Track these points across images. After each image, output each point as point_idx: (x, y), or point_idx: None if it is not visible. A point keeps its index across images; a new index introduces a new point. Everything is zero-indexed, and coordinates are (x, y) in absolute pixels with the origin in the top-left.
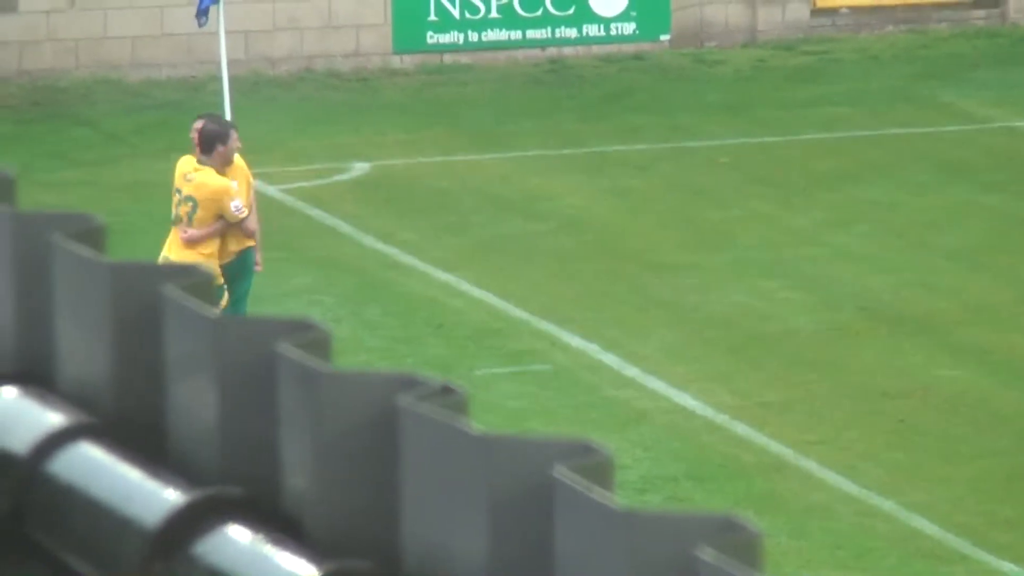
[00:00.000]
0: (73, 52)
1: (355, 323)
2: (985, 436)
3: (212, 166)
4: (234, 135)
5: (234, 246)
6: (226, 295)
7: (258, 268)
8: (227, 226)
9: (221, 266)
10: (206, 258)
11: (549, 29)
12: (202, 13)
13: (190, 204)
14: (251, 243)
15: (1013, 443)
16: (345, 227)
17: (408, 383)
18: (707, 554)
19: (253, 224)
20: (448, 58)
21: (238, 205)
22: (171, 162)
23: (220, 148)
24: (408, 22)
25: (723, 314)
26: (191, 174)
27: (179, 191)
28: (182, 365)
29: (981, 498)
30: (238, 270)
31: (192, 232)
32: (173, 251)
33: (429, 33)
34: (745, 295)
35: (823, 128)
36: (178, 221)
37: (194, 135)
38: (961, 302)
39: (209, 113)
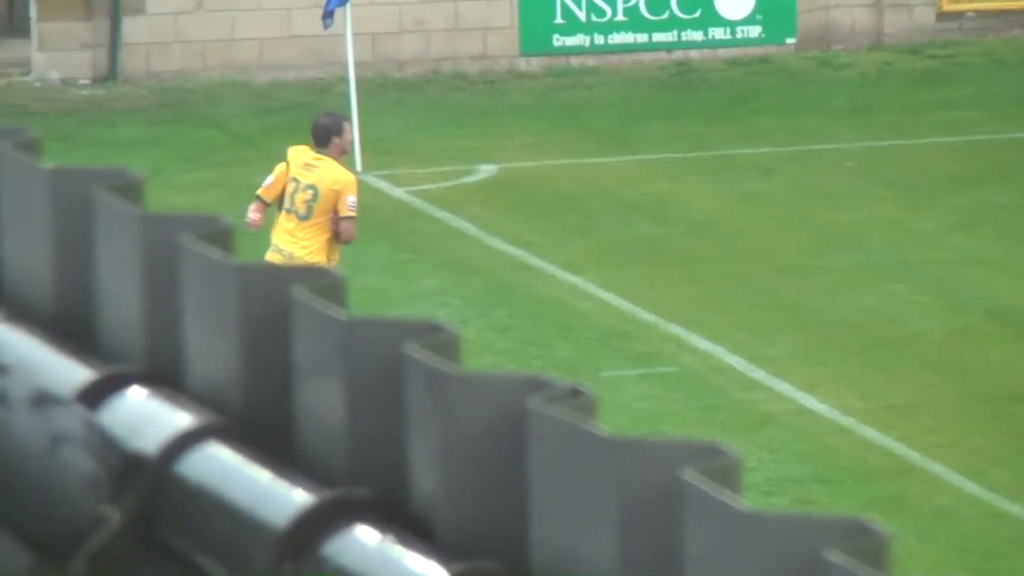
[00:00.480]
0: (201, 54)
1: (483, 325)
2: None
3: (330, 157)
4: (347, 127)
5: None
6: None
7: None
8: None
9: None
10: (308, 252)
11: (675, 32)
12: (328, 15)
13: (310, 192)
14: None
15: None
16: (472, 229)
17: (536, 385)
18: (835, 557)
19: (354, 230)
20: (574, 61)
21: (354, 202)
22: None
23: (336, 140)
24: (535, 25)
25: (850, 317)
26: (312, 163)
27: (296, 180)
28: (310, 366)
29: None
30: None
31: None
32: (282, 238)
33: (555, 36)
34: (872, 298)
35: (949, 132)
36: (292, 210)
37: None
38: None
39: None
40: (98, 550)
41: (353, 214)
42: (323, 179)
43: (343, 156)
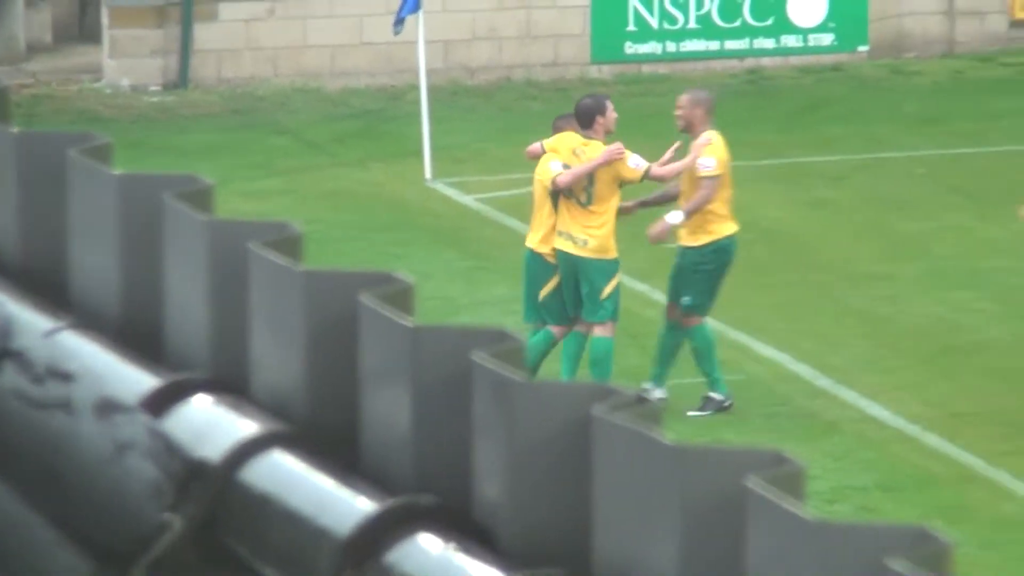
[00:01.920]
0: (272, 61)
1: None
2: None
3: (597, 139)
4: (610, 105)
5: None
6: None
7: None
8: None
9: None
10: (598, 238)
11: (747, 40)
12: (399, 22)
13: (586, 178)
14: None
15: None
16: None
17: (603, 393)
18: (899, 565)
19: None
20: (646, 68)
21: (637, 161)
22: (369, 171)
23: (600, 119)
24: (607, 32)
25: (917, 325)
26: (580, 148)
27: (568, 167)
28: (377, 373)
29: None
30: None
31: (657, 169)
32: (569, 226)
33: (627, 43)
34: (939, 306)
35: (1021, 140)
36: (572, 196)
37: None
38: None
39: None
40: (160, 557)
41: (644, 168)
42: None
43: (607, 135)
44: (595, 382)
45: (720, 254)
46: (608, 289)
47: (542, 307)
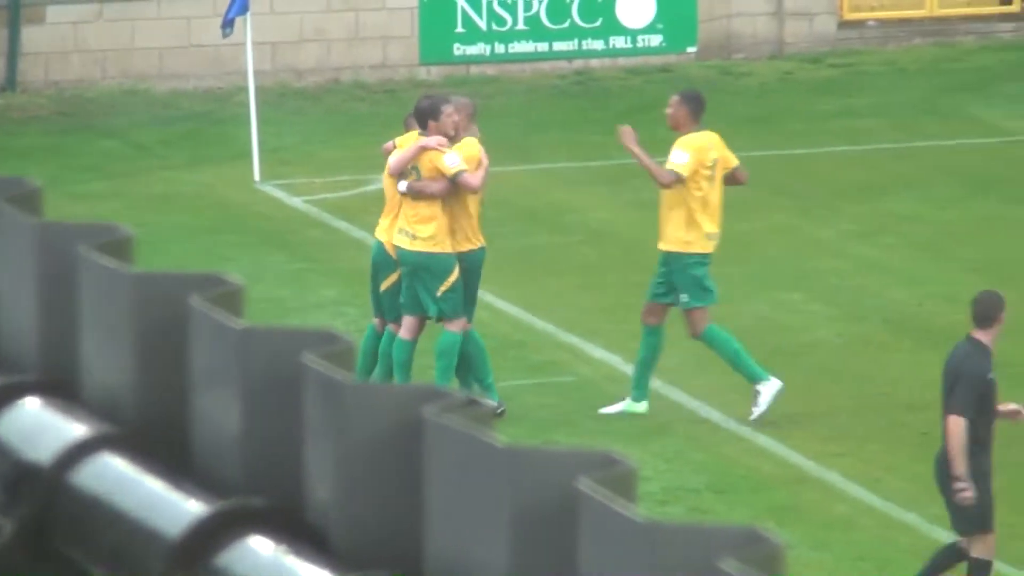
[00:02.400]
0: (100, 63)
1: None
2: (1008, 449)
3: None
4: (446, 109)
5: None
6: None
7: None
8: (450, 188)
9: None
10: (430, 241)
11: (576, 41)
12: (227, 24)
13: (413, 174)
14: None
15: None
16: (371, 239)
17: (433, 395)
18: (730, 565)
19: (475, 180)
20: (475, 70)
21: (453, 159)
22: (198, 172)
23: (432, 123)
24: (435, 34)
25: (747, 326)
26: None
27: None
28: (207, 375)
29: (1005, 510)
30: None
31: (414, 183)
32: (404, 222)
33: (456, 45)
34: (769, 306)
35: (849, 141)
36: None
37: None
38: None
39: None
40: None
41: (458, 168)
42: (420, 159)
43: (452, 139)
44: (439, 376)
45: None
46: (443, 287)
47: (379, 301)
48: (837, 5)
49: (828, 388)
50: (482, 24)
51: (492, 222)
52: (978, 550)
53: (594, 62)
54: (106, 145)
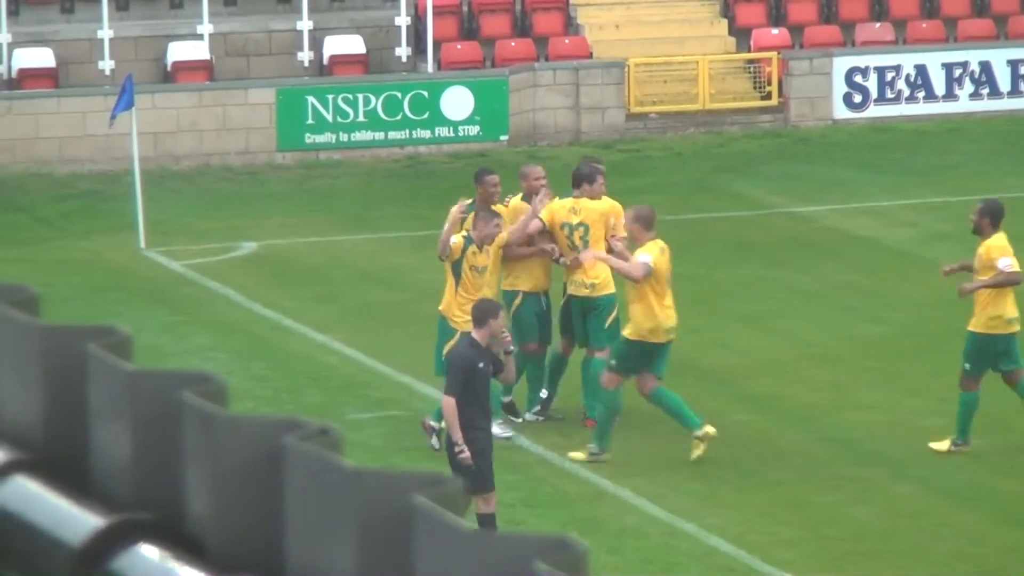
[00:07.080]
0: (10, 150)
1: (245, 376)
2: (770, 469)
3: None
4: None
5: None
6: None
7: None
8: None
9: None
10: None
11: (407, 131)
12: (114, 116)
13: (582, 229)
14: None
15: (794, 475)
16: (236, 296)
17: (291, 426)
18: (544, 568)
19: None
20: (323, 155)
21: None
22: (92, 242)
23: (587, 186)
24: (289, 125)
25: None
26: (574, 206)
27: (567, 224)
28: (102, 410)
29: (767, 521)
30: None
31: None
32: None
33: (307, 134)
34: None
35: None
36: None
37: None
38: (752, 358)
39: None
40: None
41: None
42: (590, 215)
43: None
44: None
45: None
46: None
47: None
48: (625, 100)
49: (623, 421)
50: (329, 117)
51: (339, 282)
52: (481, 507)
53: (422, 148)
54: (14, 219)
